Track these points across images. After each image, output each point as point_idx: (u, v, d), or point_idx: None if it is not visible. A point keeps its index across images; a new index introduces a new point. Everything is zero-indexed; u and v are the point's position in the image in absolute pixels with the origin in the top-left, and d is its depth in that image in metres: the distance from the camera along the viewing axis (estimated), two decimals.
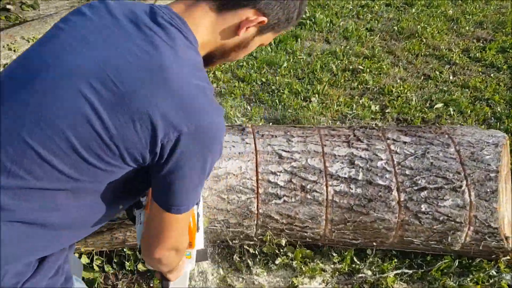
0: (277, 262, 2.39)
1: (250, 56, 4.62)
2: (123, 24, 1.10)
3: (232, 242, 2.34)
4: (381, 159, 2.26)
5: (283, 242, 2.35)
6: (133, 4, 1.18)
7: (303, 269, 2.36)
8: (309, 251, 2.42)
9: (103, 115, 1.01)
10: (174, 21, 1.11)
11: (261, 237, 2.33)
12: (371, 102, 3.93)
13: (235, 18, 1.15)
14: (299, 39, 5.03)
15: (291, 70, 4.38)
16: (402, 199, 2.21)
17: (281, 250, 2.37)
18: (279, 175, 2.22)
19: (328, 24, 5.41)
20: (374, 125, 2.47)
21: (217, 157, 1.19)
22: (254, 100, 3.96)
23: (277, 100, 3.89)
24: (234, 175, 2.21)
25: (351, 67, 4.45)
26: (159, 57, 1.05)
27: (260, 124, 3.56)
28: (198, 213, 1.82)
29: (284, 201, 2.23)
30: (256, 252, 2.39)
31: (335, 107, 3.83)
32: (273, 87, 4.10)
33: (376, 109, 3.82)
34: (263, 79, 4.20)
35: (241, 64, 4.46)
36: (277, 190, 2.22)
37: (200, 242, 1.91)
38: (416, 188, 2.21)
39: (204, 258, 1.96)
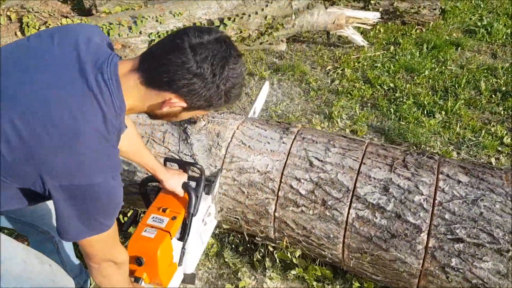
0: (293, 272, 2.27)
1: (391, 58, 4.30)
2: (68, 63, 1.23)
3: (255, 239, 2.31)
4: (421, 194, 1.94)
5: (298, 253, 2.22)
6: (93, 47, 1.28)
7: None
8: (329, 272, 2.23)
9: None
10: (110, 85, 1.21)
11: (279, 241, 2.25)
12: (506, 133, 3.30)
13: (159, 97, 1.25)
14: (459, 48, 4.47)
15: (430, 80, 3.94)
16: (430, 245, 1.87)
17: (296, 261, 2.24)
18: (303, 183, 2.10)
19: (504, 36, 4.65)
20: (434, 154, 2.10)
21: (105, 214, 1.29)
22: (369, 104, 3.71)
23: (393, 109, 3.57)
24: (258, 171, 2.16)
25: (504, 88, 3.78)
26: (79, 126, 1.16)
27: (364, 131, 3.33)
28: (184, 249, 1.86)
29: (302, 211, 2.10)
30: (276, 256, 2.31)
31: (457, 129, 3.34)
32: (397, 95, 3.76)
33: (509, 142, 3.20)
34: (392, 85, 3.88)
35: (376, 64, 4.20)
36: (297, 198, 2.10)
37: (189, 268, 1.95)
38: (451, 237, 1.84)
39: (191, 282, 2.00)
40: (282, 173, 2.14)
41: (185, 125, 2.27)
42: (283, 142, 2.21)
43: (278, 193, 2.13)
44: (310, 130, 2.31)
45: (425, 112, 3.55)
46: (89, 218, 1.26)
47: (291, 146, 2.20)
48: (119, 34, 3.88)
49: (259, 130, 2.28)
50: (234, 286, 2.27)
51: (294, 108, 3.68)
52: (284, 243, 2.21)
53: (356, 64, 4.24)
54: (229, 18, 4.16)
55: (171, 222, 1.82)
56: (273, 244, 2.30)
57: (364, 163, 2.08)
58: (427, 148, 3.16)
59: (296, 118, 3.51)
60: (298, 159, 2.15)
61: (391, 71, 4.10)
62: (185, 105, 1.27)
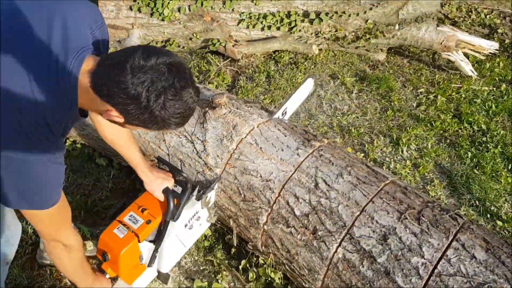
0: None
1: (497, 98, 3.75)
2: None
3: (247, 246, 2.16)
4: (422, 257, 1.62)
5: (278, 276, 2.02)
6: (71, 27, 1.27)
7: None
8: None
9: None
10: (68, 79, 1.21)
11: (266, 256, 2.07)
12: None
13: (102, 105, 1.21)
14: None
15: None
16: None
17: (278, 281, 2.05)
18: (300, 203, 1.88)
19: None
20: (460, 216, 1.73)
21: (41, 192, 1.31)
22: (448, 141, 3.27)
23: (472, 152, 3.11)
24: (261, 177, 1.99)
25: None
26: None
27: (428, 169, 2.95)
28: (155, 253, 1.85)
29: (291, 232, 1.89)
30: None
31: None
32: (485, 139, 3.27)
33: None
34: (484, 126, 3.39)
35: (476, 100, 3.70)
36: (289, 217, 1.90)
37: (164, 267, 1.94)
38: None
39: (164, 282, 1.95)
40: (283, 186, 1.94)
41: (207, 109, 2.17)
42: (297, 154, 2.01)
43: (272, 205, 1.94)
44: (333, 149, 2.06)
45: (509, 167, 3.03)
46: (24, 192, 1.26)
47: (303, 160, 1.98)
48: (212, 7, 3.87)
49: (278, 134, 2.09)
50: (206, 283, 2.14)
51: (362, 123, 3.38)
52: (269, 259, 2.03)
53: (453, 93, 3.77)
54: (327, 14, 3.93)
55: (144, 225, 1.78)
56: (262, 256, 2.12)
57: (373, 202, 1.80)
58: (491, 208, 2.69)
59: (359, 135, 3.22)
60: (305, 176, 1.93)
61: (490, 112, 3.57)
62: (122, 120, 1.23)
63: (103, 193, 2.58)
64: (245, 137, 2.08)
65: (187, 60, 3.89)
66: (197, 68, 3.79)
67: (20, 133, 1.18)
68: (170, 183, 1.85)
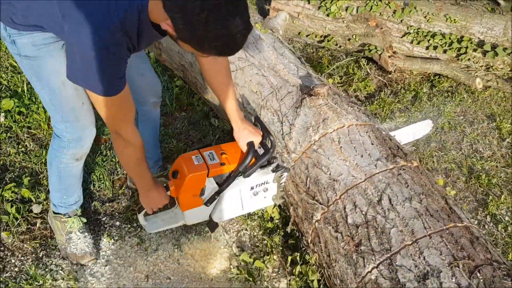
0: None
1: None
2: None
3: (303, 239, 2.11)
4: None
5: (315, 277, 1.93)
6: None
7: None
8: None
9: None
10: None
11: (311, 255, 1.99)
12: None
13: (163, 15, 1.30)
14: None
15: None
16: None
17: (314, 285, 1.96)
18: (356, 212, 1.77)
19: None
20: None
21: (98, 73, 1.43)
22: None
23: None
24: (329, 174, 1.92)
25: None
26: None
27: None
28: (216, 195, 1.92)
29: (337, 238, 1.79)
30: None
31: None
32: None
33: None
34: None
35: None
36: (340, 222, 1.80)
37: (216, 216, 2.01)
38: None
39: (210, 229, 2.04)
40: (347, 191, 1.84)
41: (305, 95, 2.15)
42: (375, 165, 1.87)
43: (329, 206, 1.86)
44: (416, 173, 1.87)
45: None
46: (83, 68, 1.41)
47: (378, 173, 1.84)
48: (380, 13, 3.77)
49: (366, 140, 1.98)
50: (251, 259, 2.15)
51: (499, 174, 2.95)
52: (314, 258, 1.95)
53: None
54: (505, 49, 3.51)
55: (217, 165, 1.86)
56: (310, 254, 2.05)
57: (431, 237, 1.60)
58: None
59: (488, 184, 2.83)
60: (373, 189, 1.80)
61: None
62: (174, 33, 1.31)
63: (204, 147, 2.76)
64: (331, 132, 2.02)
65: (339, 60, 3.87)
66: (345, 69, 3.74)
67: (89, 23, 1.33)
68: (256, 138, 1.88)
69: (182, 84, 3.22)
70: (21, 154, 2.53)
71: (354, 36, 3.82)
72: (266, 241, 2.26)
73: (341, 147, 1.96)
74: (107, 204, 2.34)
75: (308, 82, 2.30)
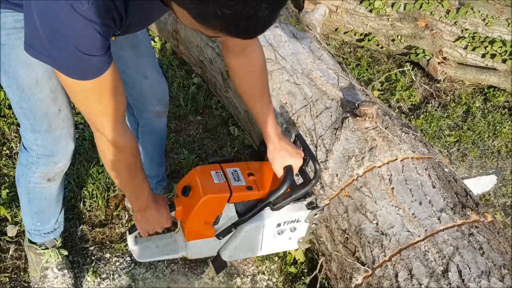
0: None
1: None
2: None
3: None
4: None
5: None
6: None
7: None
8: None
9: None
10: None
11: None
12: None
13: None
14: None
15: None
16: None
17: None
18: (413, 285, 1.33)
19: None
20: None
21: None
22: None
23: None
24: (376, 224, 1.47)
25: None
26: None
27: None
28: (233, 227, 1.51)
29: None
30: None
31: None
32: None
33: None
34: None
35: None
36: (393, 283, 1.36)
37: (226, 253, 1.60)
38: None
39: (216, 269, 1.63)
40: (400, 251, 1.39)
41: (348, 114, 1.70)
42: (438, 218, 1.42)
43: (376, 268, 1.42)
44: (493, 233, 1.42)
45: None
46: (46, 37, 0.98)
47: (442, 230, 1.39)
48: (431, 12, 3.27)
49: (425, 181, 1.53)
50: None
51: None
52: None
53: None
54: None
55: (242, 188, 1.43)
56: None
57: None
58: None
59: None
60: (436, 253, 1.35)
61: None
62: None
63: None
64: (380, 166, 1.57)
65: (380, 63, 3.39)
66: (386, 74, 3.26)
67: None
68: (296, 162, 1.46)
69: (200, 83, 2.79)
70: (3, 158, 2.15)
71: (399, 37, 3.34)
72: None
73: (393, 188, 1.51)
74: (97, 229, 1.93)
75: (351, 96, 1.84)
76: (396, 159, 1.59)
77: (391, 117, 1.75)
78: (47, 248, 1.67)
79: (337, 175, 1.62)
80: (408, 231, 1.41)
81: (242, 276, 1.89)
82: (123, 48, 1.47)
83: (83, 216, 1.97)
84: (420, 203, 1.47)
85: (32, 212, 1.59)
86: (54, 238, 1.69)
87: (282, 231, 1.61)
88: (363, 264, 1.45)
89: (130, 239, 1.55)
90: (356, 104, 1.68)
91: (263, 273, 1.91)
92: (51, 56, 0.99)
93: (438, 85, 3.24)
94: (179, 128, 2.52)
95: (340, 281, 1.55)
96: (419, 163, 1.58)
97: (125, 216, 1.99)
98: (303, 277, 1.89)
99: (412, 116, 2.91)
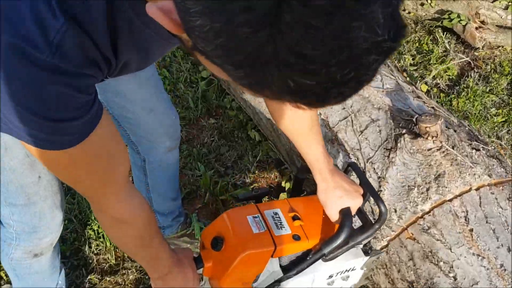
0: None
1: None
2: None
3: None
4: None
5: None
6: None
7: None
8: None
9: None
10: None
11: None
12: None
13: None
14: None
15: None
16: None
17: None
18: None
19: None
20: None
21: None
22: None
23: None
24: (453, 278, 1.17)
25: None
26: None
27: None
28: (275, 285, 1.21)
29: None
30: None
31: None
32: None
33: None
34: None
35: None
36: None
37: None
38: None
39: None
40: None
41: (404, 131, 1.37)
42: None
43: None
44: None
45: None
46: (4, 104, 0.64)
47: None
48: None
49: (509, 214, 1.21)
50: None
51: None
52: None
53: None
54: None
55: (288, 238, 1.14)
56: None
57: None
58: None
59: None
60: None
61: None
62: (184, 34, 0.50)
63: (241, 176, 2.03)
64: (451, 200, 1.25)
65: (408, 31, 3.00)
66: (417, 44, 2.88)
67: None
68: (355, 202, 1.16)
69: (209, 77, 2.44)
70: None
71: (429, 0, 2.93)
72: None
73: (471, 230, 1.20)
74: (108, 278, 1.65)
75: (401, 102, 1.50)
76: (470, 188, 1.27)
77: (455, 128, 1.41)
78: None
79: (395, 211, 1.31)
80: None
81: None
82: (119, 81, 1.14)
83: (90, 261, 1.70)
84: (509, 250, 1.16)
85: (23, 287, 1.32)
86: None
87: (333, 281, 1.32)
88: None
89: None
90: (414, 119, 1.33)
91: None
92: (14, 129, 0.67)
93: (476, 53, 2.86)
94: (191, 137, 2.20)
95: None
96: (499, 192, 1.26)
97: None
98: None
99: (453, 95, 2.56)
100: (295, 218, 1.17)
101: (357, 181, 1.20)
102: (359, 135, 1.46)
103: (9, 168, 0.99)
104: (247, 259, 1.10)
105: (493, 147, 1.41)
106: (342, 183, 1.15)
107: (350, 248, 1.20)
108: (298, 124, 1.08)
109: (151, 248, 1.03)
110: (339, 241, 1.11)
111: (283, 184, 1.97)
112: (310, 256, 1.16)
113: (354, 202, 1.14)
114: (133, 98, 1.22)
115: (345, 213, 1.13)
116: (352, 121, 1.49)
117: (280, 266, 1.21)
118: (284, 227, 1.15)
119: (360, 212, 1.20)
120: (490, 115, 2.48)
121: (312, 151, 1.12)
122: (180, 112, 2.24)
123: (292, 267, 1.19)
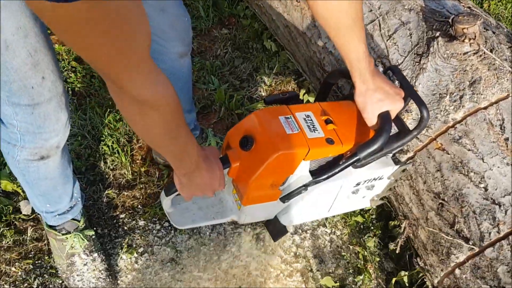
0: None
1: None
2: None
3: (419, 262, 1.39)
4: None
5: None
6: None
7: None
8: None
9: None
10: None
11: None
12: None
13: None
14: None
15: None
16: None
17: None
18: None
19: None
20: None
21: None
22: None
23: None
24: (484, 188, 1.12)
25: None
26: None
27: None
28: (305, 188, 1.15)
29: None
30: None
31: None
32: None
33: None
34: None
35: None
36: None
37: (287, 218, 1.28)
38: None
39: (274, 237, 1.29)
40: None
41: (437, 33, 1.24)
42: None
43: (485, 248, 1.09)
44: None
45: None
46: None
47: None
48: None
49: None
50: (337, 284, 1.49)
51: None
52: None
53: None
54: None
55: (321, 141, 1.08)
56: None
57: None
58: None
59: None
60: None
61: None
62: None
63: (257, 89, 1.94)
64: (486, 108, 1.16)
65: None
66: None
67: None
68: (395, 106, 1.08)
69: None
70: None
71: None
72: (356, 249, 1.56)
73: (506, 139, 1.12)
74: (125, 192, 1.64)
75: (435, 3, 1.37)
76: (508, 95, 1.17)
77: (493, 30, 1.28)
78: (69, 232, 1.40)
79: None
80: None
81: (300, 231, 1.61)
82: None
83: (107, 177, 1.67)
84: None
85: (36, 194, 1.30)
86: (74, 219, 1.40)
87: (357, 190, 1.28)
88: (466, 240, 1.13)
89: (165, 202, 1.21)
90: (450, 20, 1.20)
91: (324, 226, 1.62)
92: None
93: None
94: (203, 48, 2.08)
95: (431, 254, 1.24)
96: None
97: (156, 173, 1.67)
98: (372, 228, 1.60)
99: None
100: (328, 121, 1.11)
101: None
102: (387, 40, 1.34)
103: (11, 67, 0.93)
104: (280, 159, 1.05)
105: None
106: (383, 85, 1.06)
107: (383, 155, 1.15)
108: (341, 17, 0.96)
109: (179, 140, 0.93)
110: (376, 145, 1.05)
111: (301, 96, 1.88)
112: (344, 160, 1.09)
113: (395, 106, 1.07)
114: None
115: (384, 117, 1.06)
116: (379, 24, 1.37)
117: (310, 171, 1.15)
118: (317, 130, 1.09)
119: (397, 117, 1.12)
120: None
121: (354, 49, 1.01)
122: (191, 22, 2.11)
123: (323, 172, 1.13)
